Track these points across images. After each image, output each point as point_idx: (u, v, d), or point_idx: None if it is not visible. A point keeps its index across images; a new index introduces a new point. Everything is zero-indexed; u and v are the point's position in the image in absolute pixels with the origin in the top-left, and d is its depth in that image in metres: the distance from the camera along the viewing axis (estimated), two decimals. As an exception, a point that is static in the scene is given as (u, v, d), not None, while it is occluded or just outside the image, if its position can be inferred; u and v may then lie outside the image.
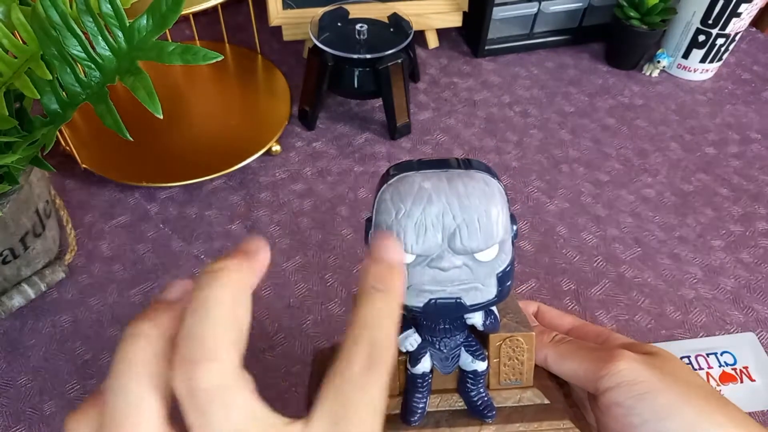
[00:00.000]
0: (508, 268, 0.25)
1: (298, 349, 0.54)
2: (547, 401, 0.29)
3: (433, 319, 0.27)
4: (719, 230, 0.66)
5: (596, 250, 0.63)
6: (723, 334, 0.56)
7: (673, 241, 0.64)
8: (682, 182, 0.71)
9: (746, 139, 0.77)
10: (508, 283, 0.25)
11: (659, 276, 0.61)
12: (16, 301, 0.55)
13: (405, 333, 0.27)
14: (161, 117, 0.38)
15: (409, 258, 0.24)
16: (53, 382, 0.52)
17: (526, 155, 0.73)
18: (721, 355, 0.54)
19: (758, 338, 0.56)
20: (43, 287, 0.56)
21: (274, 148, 0.70)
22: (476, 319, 0.27)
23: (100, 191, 0.67)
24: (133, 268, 0.60)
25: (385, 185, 0.24)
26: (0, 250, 0.51)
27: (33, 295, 0.56)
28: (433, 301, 0.24)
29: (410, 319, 0.27)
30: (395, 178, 0.24)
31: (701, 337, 0.56)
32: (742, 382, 0.52)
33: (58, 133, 0.45)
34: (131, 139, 0.39)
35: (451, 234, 0.23)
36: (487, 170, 0.25)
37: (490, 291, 0.25)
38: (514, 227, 0.25)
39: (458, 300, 0.25)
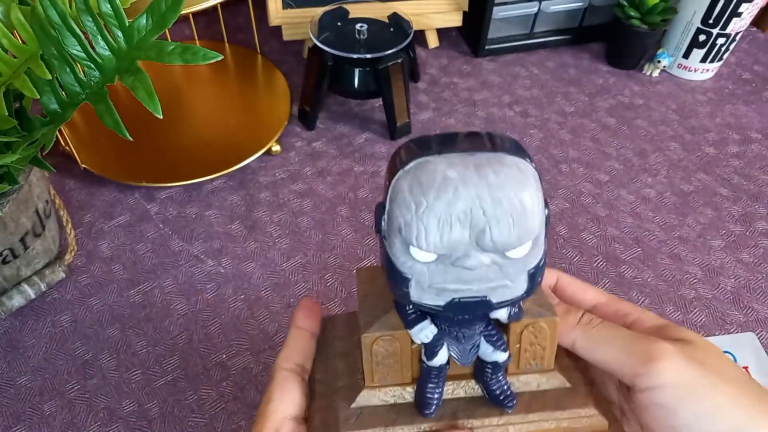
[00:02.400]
0: (541, 263, 0.22)
1: (298, 349, 0.54)
2: (568, 384, 0.27)
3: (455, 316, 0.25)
4: (719, 230, 0.66)
5: (596, 250, 0.63)
6: (723, 334, 0.56)
7: (673, 241, 0.64)
8: (682, 182, 0.71)
9: (746, 139, 0.77)
10: (540, 279, 0.23)
11: (659, 276, 0.61)
12: (16, 301, 0.55)
13: (420, 325, 0.25)
14: (161, 117, 0.38)
15: (431, 257, 0.21)
16: (53, 382, 0.52)
17: (526, 155, 0.73)
18: (722, 355, 0.54)
19: (758, 338, 0.56)
20: (43, 287, 0.56)
21: (274, 148, 0.70)
22: (501, 313, 0.25)
23: (99, 191, 0.67)
24: (132, 267, 0.60)
25: (401, 171, 0.21)
26: (0, 250, 0.51)
27: (33, 295, 0.56)
28: (456, 300, 0.22)
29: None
30: (414, 164, 0.21)
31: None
32: (742, 382, 0.52)
33: (57, 133, 0.45)
34: (131, 139, 0.39)
35: (480, 231, 0.20)
36: (518, 150, 0.22)
37: (520, 287, 0.22)
38: (546, 211, 0.22)
39: (484, 298, 0.22)
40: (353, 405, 0.27)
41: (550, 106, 0.80)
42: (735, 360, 0.54)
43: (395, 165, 0.22)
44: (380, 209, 0.22)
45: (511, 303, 0.23)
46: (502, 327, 0.26)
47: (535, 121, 0.78)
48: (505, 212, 0.20)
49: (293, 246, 0.62)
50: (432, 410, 0.26)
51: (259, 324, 0.56)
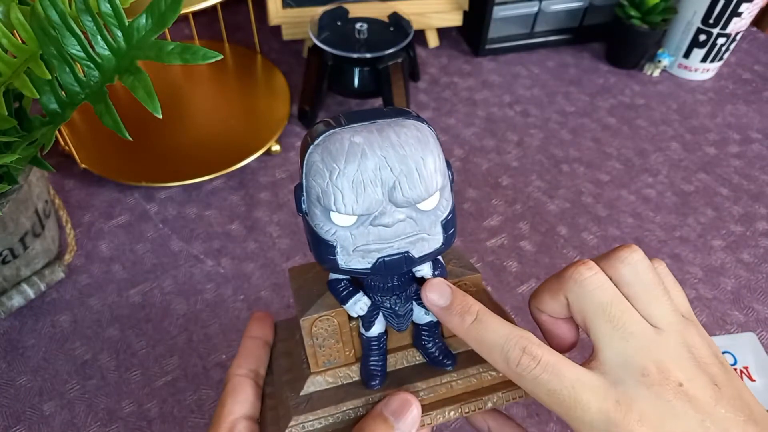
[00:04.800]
0: (450, 215, 0.24)
1: (297, 349, 0.54)
2: None
3: (383, 278, 0.26)
4: (720, 230, 0.66)
5: (597, 251, 0.63)
6: (723, 334, 0.56)
7: (674, 241, 0.64)
8: (682, 182, 0.71)
9: (747, 139, 0.77)
10: (453, 230, 0.25)
11: (660, 276, 0.61)
12: (16, 301, 0.55)
13: (354, 298, 0.26)
14: (160, 117, 0.37)
15: (351, 220, 0.23)
16: (53, 382, 0.52)
17: (527, 155, 0.73)
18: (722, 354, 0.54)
19: (758, 338, 0.56)
20: (42, 287, 0.56)
21: (273, 148, 0.70)
22: (425, 270, 0.26)
23: (99, 191, 0.67)
24: (132, 268, 0.60)
25: (312, 146, 0.23)
26: (0, 250, 0.51)
27: (32, 295, 0.56)
28: (381, 259, 0.24)
29: (357, 283, 0.27)
30: (322, 137, 0.23)
31: (702, 337, 0.56)
32: (742, 382, 0.52)
33: (57, 132, 0.45)
34: (130, 138, 0.39)
35: (391, 187, 0.22)
36: (414, 116, 0.24)
37: (437, 239, 0.24)
38: (450, 173, 0.25)
39: (406, 254, 0.24)
40: (302, 393, 0.27)
41: (551, 106, 0.80)
42: (735, 360, 0.54)
43: (306, 143, 0.23)
44: (299, 190, 0.24)
45: (432, 256, 0.25)
46: None
47: (536, 120, 0.78)
48: (409, 167, 0.22)
49: (293, 246, 0.62)
50: (377, 381, 0.27)
51: (259, 324, 0.56)
